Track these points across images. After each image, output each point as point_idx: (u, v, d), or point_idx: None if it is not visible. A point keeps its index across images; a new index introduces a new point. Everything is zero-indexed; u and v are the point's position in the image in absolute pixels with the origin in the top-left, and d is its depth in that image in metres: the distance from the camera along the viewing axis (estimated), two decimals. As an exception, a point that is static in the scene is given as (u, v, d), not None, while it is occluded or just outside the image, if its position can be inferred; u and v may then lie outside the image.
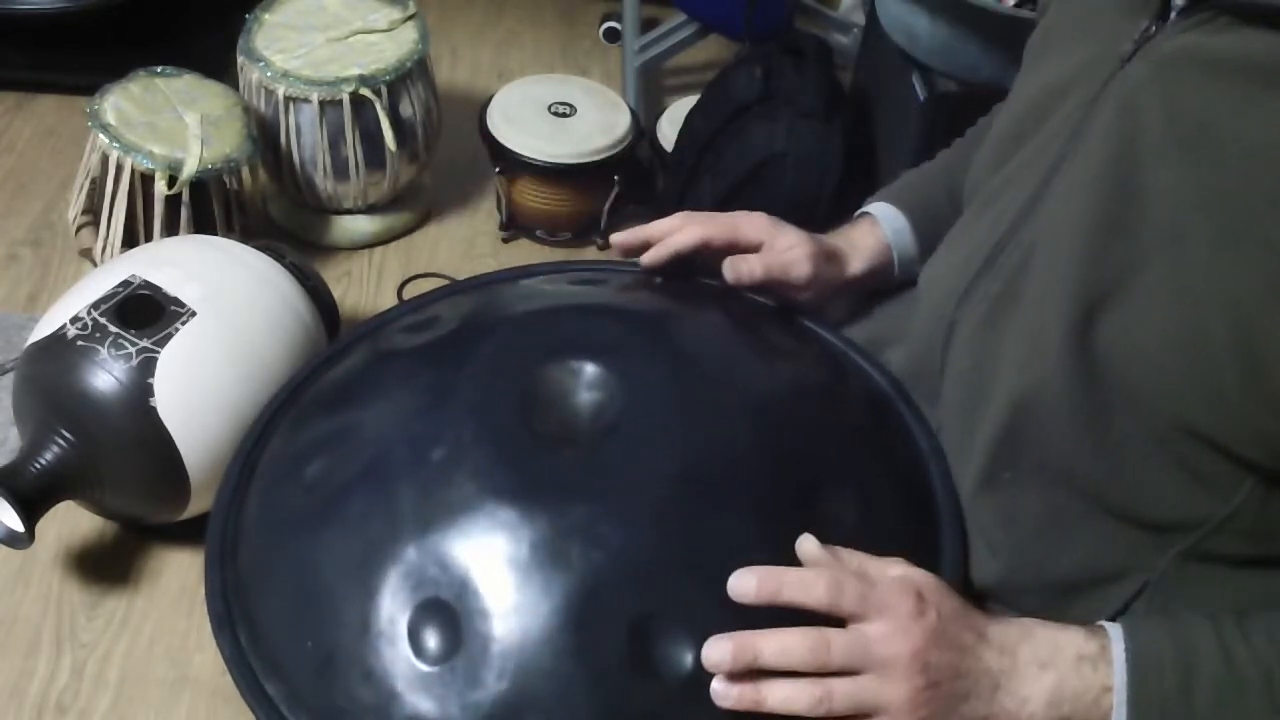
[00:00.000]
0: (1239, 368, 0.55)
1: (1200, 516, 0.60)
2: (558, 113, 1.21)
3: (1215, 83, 0.56)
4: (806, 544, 0.63)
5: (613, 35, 1.58)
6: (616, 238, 0.87)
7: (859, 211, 0.91)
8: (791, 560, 0.63)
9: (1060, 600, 0.67)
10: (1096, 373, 0.61)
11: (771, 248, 0.84)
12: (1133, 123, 0.60)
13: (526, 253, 1.24)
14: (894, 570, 0.63)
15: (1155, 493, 0.61)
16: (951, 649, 0.59)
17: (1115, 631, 0.60)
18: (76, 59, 1.36)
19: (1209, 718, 0.57)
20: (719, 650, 0.58)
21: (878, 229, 0.88)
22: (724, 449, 0.68)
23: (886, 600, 0.60)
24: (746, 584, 0.60)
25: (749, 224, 0.85)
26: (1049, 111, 0.68)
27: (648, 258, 0.85)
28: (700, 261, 0.86)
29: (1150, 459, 0.60)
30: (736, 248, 0.85)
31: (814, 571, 0.61)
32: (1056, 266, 0.63)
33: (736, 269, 0.83)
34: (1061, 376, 0.62)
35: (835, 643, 0.58)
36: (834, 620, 0.60)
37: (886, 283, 0.89)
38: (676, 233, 0.85)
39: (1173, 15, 0.60)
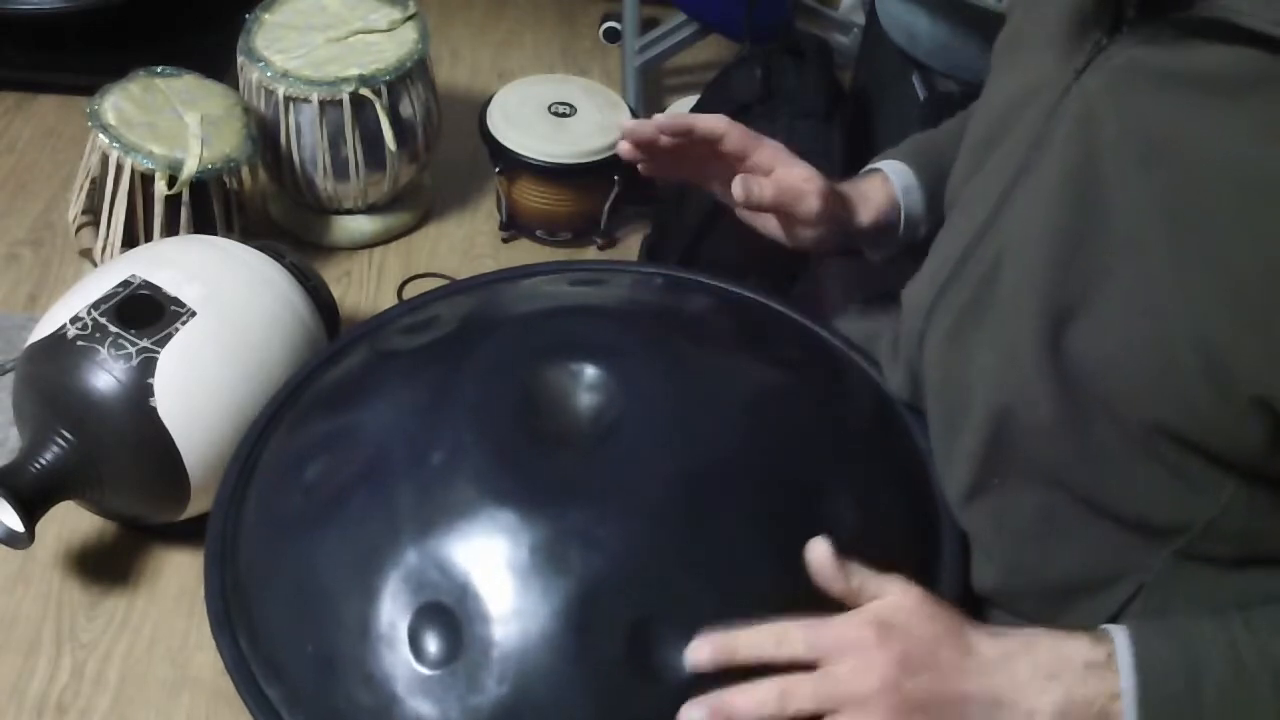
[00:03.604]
0: (1205, 379, 0.55)
1: (1188, 518, 0.61)
2: (558, 113, 1.21)
3: (1166, 94, 0.57)
4: (818, 549, 0.62)
5: (613, 35, 1.58)
6: (630, 123, 0.84)
7: (869, 166, 0.90)
8: (795, 563, 0.63)
9: (1057, 604, 0.67)
10: (1071, 381, 0.61)
11: (785, 176, 0.82)
12: (1090, 135, 0.60)
13: (526, 253, 1.24)
14: (884, 588, 0.62)
15: (1142, 495, 0.61)
16: (929, 671, 0.58)
17: (1121, 636, 0.59)
18: (76, 59, 1.36)
19: (1219, 717, 0.57)
20: (694, 711, 0.58)
21: (889, 184, 0.87)
22: (724, 451, 0.68)
23: (844, 636, 0.59)
24: (701, 654, 0.59)
25: (766, 146, 0.84)
26: (1013, 121, 0.69)
27: (659, 118, 0.82)
28: (698, 160, 0.85)
29: (1133, 462, 0.60)
30: (745, 164, 0.83)
31: (762, 630, 0.60)
32: (1024, 278, 0.63)
33: (747, 185, 0.80)
34: (1038, 386, 0.62)
35: (802, 688, 0.58)
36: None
37: (891, 240, 0.87)
38: (699, 117, 0.83)
39: (1124, 29, 0.61)
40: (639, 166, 0.86)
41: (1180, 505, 0.60)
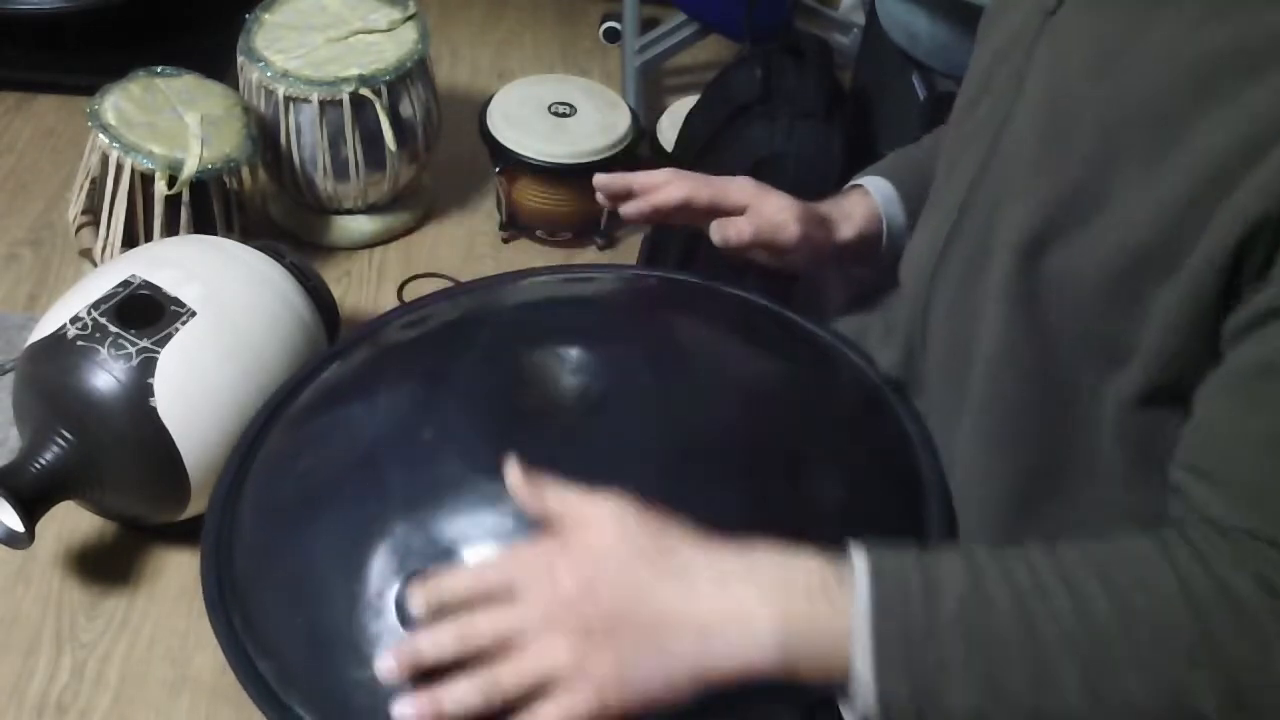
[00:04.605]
0: (1178, 273, 0.55)
1: (1154, 482, 0.61)
2: (558, 113, 1.21)
3: (1126, 4, 0.59)
4: (511, 470, 0.60)
5: (613, 35, 1.58)
6: (600, 178, 0.85)
7: (850, 184, 0.91)
8: (776, 534, 0.63)
9: None
10: (1037, 311, 0.62)
11: (759, 211, 0.83)
12: (1059, 62, 0.62)
13: (526, 253, 1.24)
14: (586, 511, 0.58)
15: (1112, 470, 0.62)
16: (616, 596, 0.55)
17: (859, 553, 0.56)
18: (76, 59, 1.36)
19: (954, 636, 0.53)
20: (385, 663, 0.56)
21: (869, 198, 0.88)
22: (708, 427, 0.69)
23: (529, 559, 0.57)
24: (416, 601, 0.58)
25: (735, 187, 0.85)
26: (994, 76, 0.70)
27: (628, 209, 0.85)
28: (680, 221, 0.86)
29: (1102, 435, 0.61)
30: (720, 210, 0.84)
31: (469, 567, 0.60)
32: (1013, 219, 0.64)
33: (724, 230, 0.82)
34: (1006, 318, 0.63)
35: (476, 623, 0.56)
36: None
37: (875, 252, 0.88)
38: (661, 188, 0.84)
39: None
40: (620, 211, 0.87)
41: (1137, 466, 0.61)
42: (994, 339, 0.65)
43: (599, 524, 0.57)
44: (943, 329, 0.73)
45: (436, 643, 0.56)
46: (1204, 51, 0.54)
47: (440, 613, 0.58)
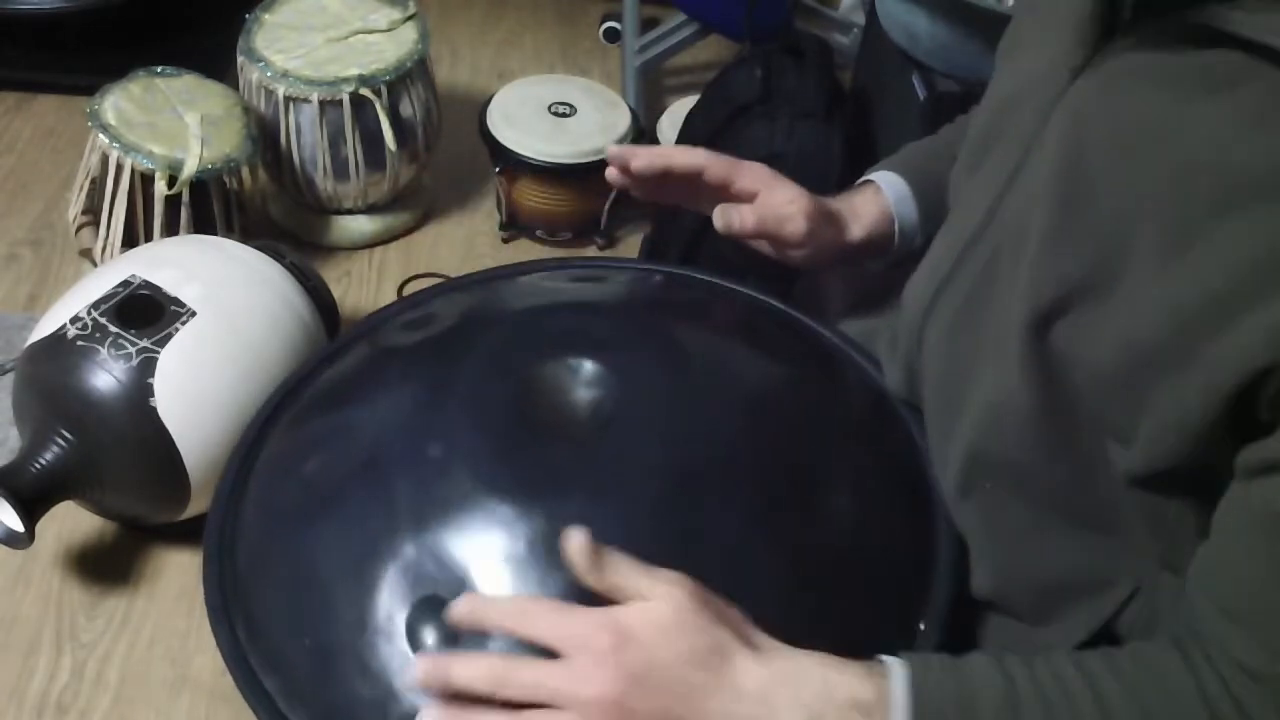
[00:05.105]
0: (1180, 380, 0.54)
1: (1165, 533, 0.61)
2: (558, 113, 1.21)
3: (1153, 91, 0.57)
4: (572, 539, 0.57)
5: (613, 35, 1.58)
6: (613, 149, 0.83)
7: (862, 179, 0.90)
8: (789, 552, 0.63)
9: (1053, 605, 0.67)
10: (1053, 380, 0.61)
11: (768, 200, 0.82)
12: (1080, 135, 0.61)
13: (526, 253, 1.24)
14: (650, 590, 0.57)
15: (1120, 509, 0.62)
16: (666, 692, 0.55)
17: (897, 670, 0.57)
18: (76, 59, 1.36)
19: None
20: (419, 666, 0.56)
21: (881, 196, 0.86)
22: (718, 442, 0.69)
23: (584, 633, 0.55)
24: (459, 609, 0.57)
25: (747, 172, 0.83)
26: (1009, 121, 0.69)
27: (638, 162, 0.83)
28: (687, 198, 0.85)
29: (1113, 477, 0.61)
30: (730, 190, 0.83)
31: (512, 601, 0.59)
32: (1016, 273, 0.63)
33: (728, 217, 0.80)
34: (1022, 384, 0.62)
35: (516, 673, 0.55)
36: None
37: (886, 251, 0.87)
38: (678, 153, 0.83)
39: (1119, 33, 0.61)
40: (633, 167, 0.85)
41: (1156, 524, 0.61)
42: (999, 389, 0.64)
43: (658, 610, 0.56)
44: (937, 358, 0.72)
45: (470, 675, 0.55)
46: (1243, 157, 0.52)
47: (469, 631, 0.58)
